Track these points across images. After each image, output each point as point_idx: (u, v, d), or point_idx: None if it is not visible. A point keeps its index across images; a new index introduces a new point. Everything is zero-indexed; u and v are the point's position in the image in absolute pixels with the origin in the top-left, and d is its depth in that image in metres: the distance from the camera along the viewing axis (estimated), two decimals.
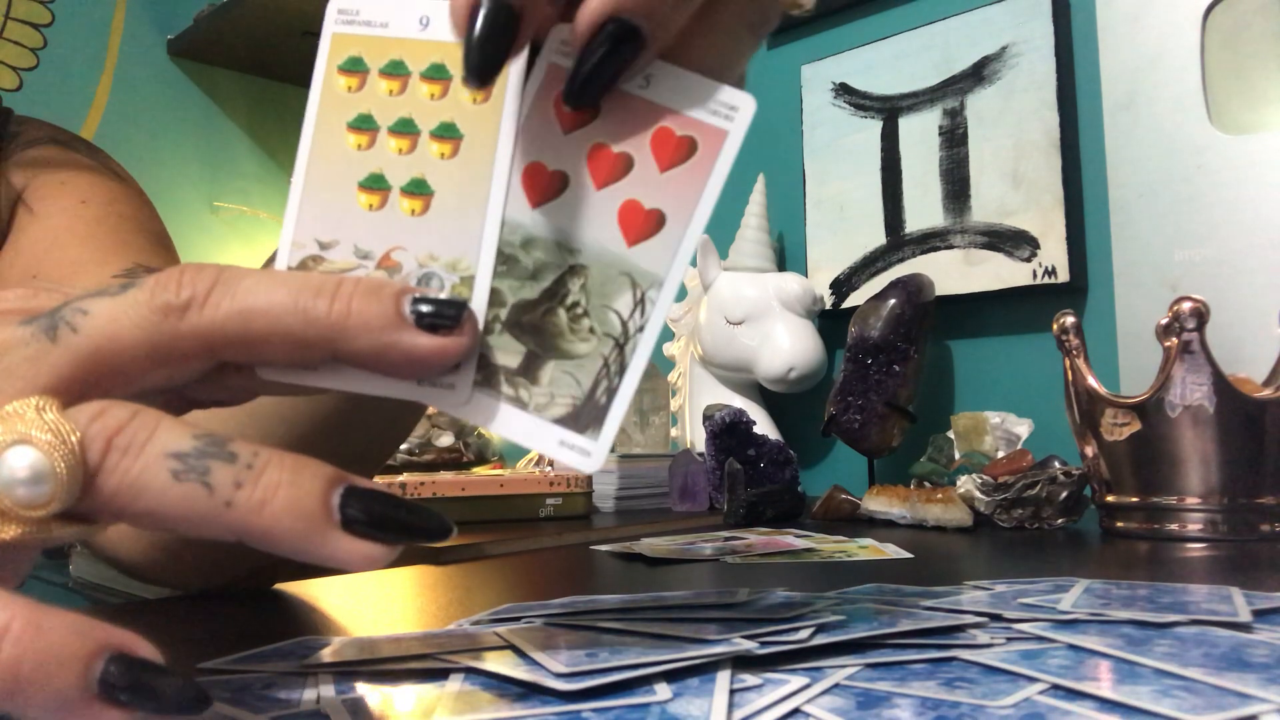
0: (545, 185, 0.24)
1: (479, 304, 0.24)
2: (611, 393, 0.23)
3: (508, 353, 0.24)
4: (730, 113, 0.24)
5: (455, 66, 0.25)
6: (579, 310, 0.24)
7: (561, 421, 0.23)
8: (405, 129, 0.25)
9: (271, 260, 0.36)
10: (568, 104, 0.24)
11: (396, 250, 0.24)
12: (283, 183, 1.83)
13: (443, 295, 0.23)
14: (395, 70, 0.25)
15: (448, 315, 0.22)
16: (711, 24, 0.24)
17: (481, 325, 0.24)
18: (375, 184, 0.25)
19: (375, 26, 0.25)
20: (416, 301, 0.22)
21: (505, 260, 0.24)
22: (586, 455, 0.23)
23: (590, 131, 0.24)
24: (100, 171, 0.54)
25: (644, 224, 0.24)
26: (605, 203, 0.24)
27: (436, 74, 0.25)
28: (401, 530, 0.20)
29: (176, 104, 1.72)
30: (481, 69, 0.23)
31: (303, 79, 1.83)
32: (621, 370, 0.23)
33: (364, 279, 0.22)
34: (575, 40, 0.23)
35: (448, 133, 0.25)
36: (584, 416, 0.23)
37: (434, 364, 0.22)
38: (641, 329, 0.24)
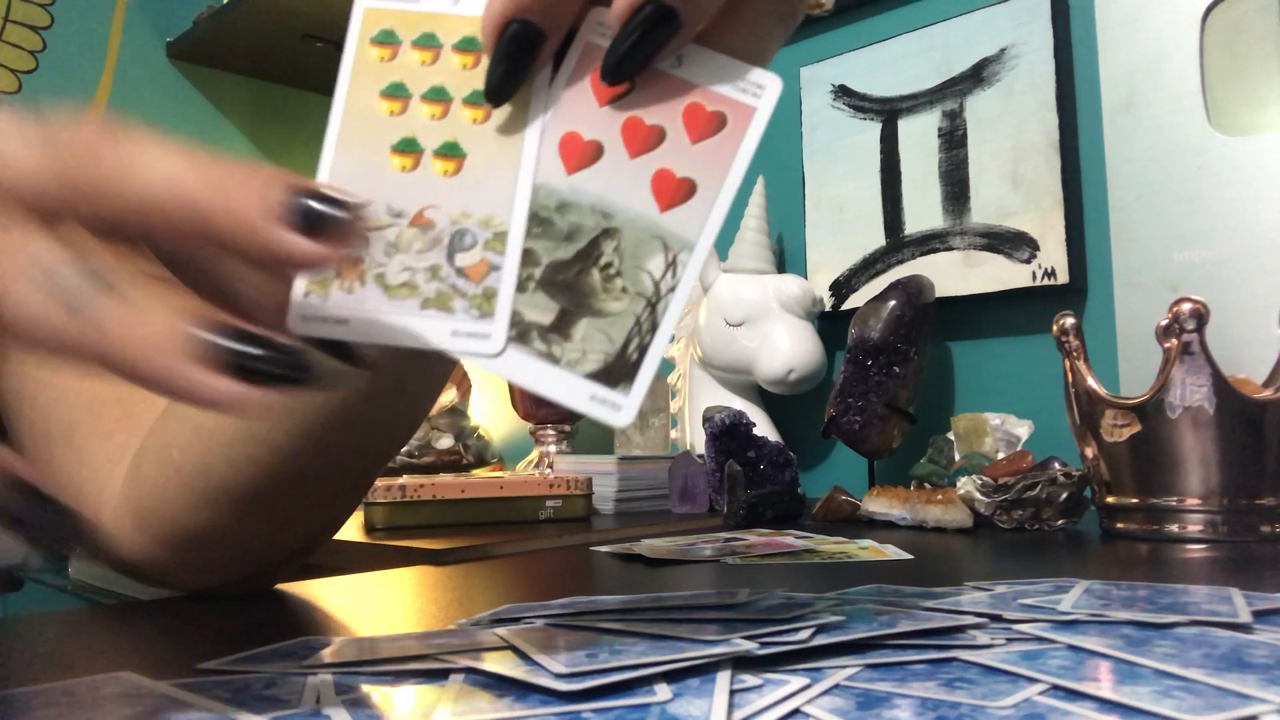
0: (581, 153, 0.25)
1: (512, 258, 0.25)
2: (643, 349, 0.24)
3: (541, 310, 0.24)
4: (758, 91, 0.25)
5: None
6: (612, 270, 0.25)
7: (593, 376, 0.24)
8: (438, 96, 0.26)
9: None
10: (605, 80, 0.25)
11: (429, 209, 0.25)
12: None
13: (475, 251, 0.24)
14: (427, 42, 0.26)
15: (326, 218, 0.20)
16: (742, 13, 0.25)
17: (515, 282, 0.24)
18: (408, 147, 0.25)
19: (406, 1, 0.26)
20: (295, 195, 0.20)
21: (540, 223, 0.25)
22: (617, 409, 0.24)
23: (625, 105, 0.25)
24: None
25: (676, 191, 0.25)
26: (638, 171, 0.25)
27: (468, 46, 0.26)
28: (259, 370, 0.19)
29: (176, 107, 1.72)
30: (500, 88, 0.24)
31: (302, 82, 1.83)
32: (653, 328, 0.24)
33: (261, 169, 0.21)
34: (613, 20, 0.24)
35: (480, 99, 0.25)
36: (615, 372, 0.24)
37: (304, 266, 0.21)
38: (673, 289, 0.24)
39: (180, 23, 1.69)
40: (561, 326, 0.24)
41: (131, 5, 1.68)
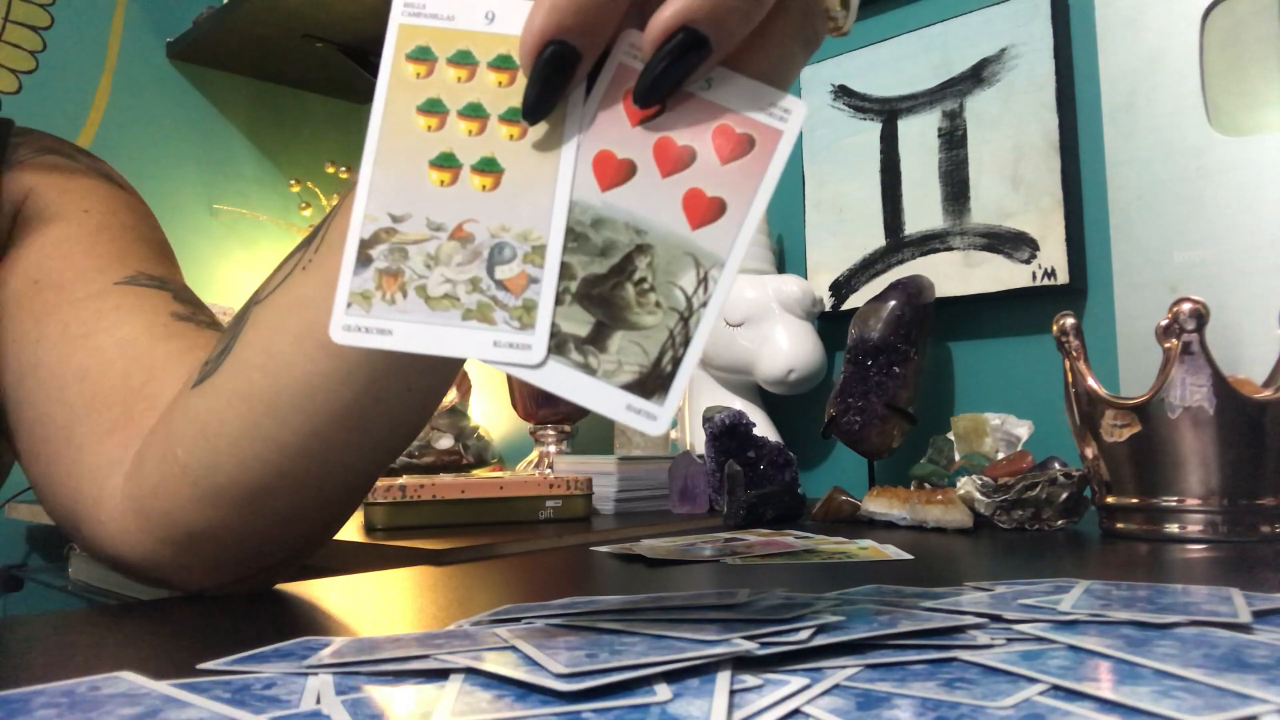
0: (614, 171, 0.26)
1: (551, 270, 0.25)
2: (677, 362, 0.25)
3: (577, 322, 0.25)
4: (785, 114, 0.26)
5: None
6: (646, 285, 0.25)
7: (629, 387, 0.25)
8: (475, 113, 0.26)
9: (326, 221, 0.37)
10: (637, 103, 0.26)
11: (469, 222, 0.26)
12: (282, 186, 1.83)
13: (514, 264, 0.25)
14: (463, 60, 0.26)
15: None
16: (769, 38, 0.26)
17: (554, 294, 0.25)
18: (446, 162, 0.26)
19: (441, 19, 0.27)
20: None
21: (576, 238, 0.26)
22: (653, 419, 0.25)
23: (656, 125, 0.26)
24: (102, 181, 0.54)
25: (706, 210, 0.25)
26: (670, 189, 0.26)
27: (504, 63, 0.26)
28: None
29: (176, 107, 1.72)
30: (536, 107, 0.25)
31: (302, 82, 1.83)
32: (686, 341, 0.25)
33: None
34: (647, 45, 0.25)
35: (517, 117, 0.26)
36: (650, 383, 0.25)
37: None
38: (705, 304, 0.25)
39: (180, 23, 1.69)
40: (597, 339, 0.25)
41: (131, 5, 1.69)
